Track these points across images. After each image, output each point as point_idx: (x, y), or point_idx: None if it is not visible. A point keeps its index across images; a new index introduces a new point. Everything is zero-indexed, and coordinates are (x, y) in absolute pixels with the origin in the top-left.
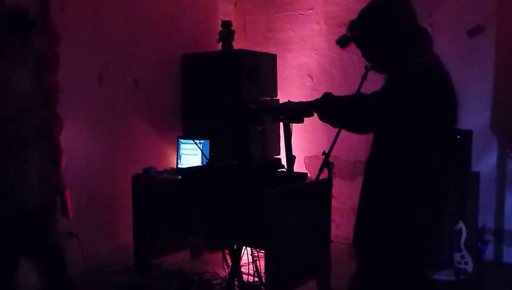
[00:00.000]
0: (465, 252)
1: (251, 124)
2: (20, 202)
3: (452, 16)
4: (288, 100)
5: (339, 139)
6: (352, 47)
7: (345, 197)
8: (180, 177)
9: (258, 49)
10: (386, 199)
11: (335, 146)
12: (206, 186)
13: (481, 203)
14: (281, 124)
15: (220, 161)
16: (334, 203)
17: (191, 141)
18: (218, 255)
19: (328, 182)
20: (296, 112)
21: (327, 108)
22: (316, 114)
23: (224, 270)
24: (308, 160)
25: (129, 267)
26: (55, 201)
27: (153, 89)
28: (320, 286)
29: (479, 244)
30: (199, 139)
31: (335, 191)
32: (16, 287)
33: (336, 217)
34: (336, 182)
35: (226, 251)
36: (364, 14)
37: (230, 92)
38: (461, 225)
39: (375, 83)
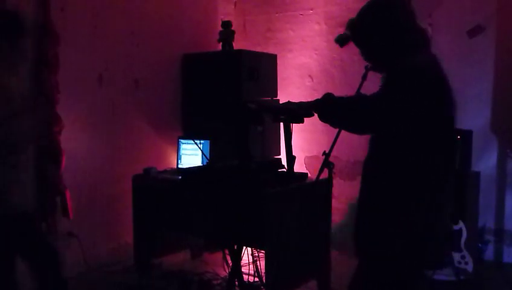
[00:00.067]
0: (465, 252)
1: (251, 124)
2: (8, 206)
3: (452, 16)
4: (288, 100)
5: (339, 139)
6: (353, 47)
7: (345, 197)
8: (180, 177)
9: (258, 49)
10: (384, 199)
11: (335, 146)
12: (206, 186)
13: (481, 203)
14: (281, 124)
15: (220, 161)
16: (334, 203)
17: (191, 141)
18: (219, 255)
19: (328, 182)
20: (296, 112)
21: (327, 108)
22: (316, 114)
23: (225, 271)
24: (308, 160)
25: (129, 267)
26: (55, 201)
27: (153, 89)
28: (320, 286)
29: (479, 244)
30: (199, 139)
31: (335, 191)
32: (17, 286)
33: (336, 217)
34: (336, 182)
35: (226, 251)
36: (363, 14)
37: (231, 92)
38: (461, 225)
39: (375, 83)
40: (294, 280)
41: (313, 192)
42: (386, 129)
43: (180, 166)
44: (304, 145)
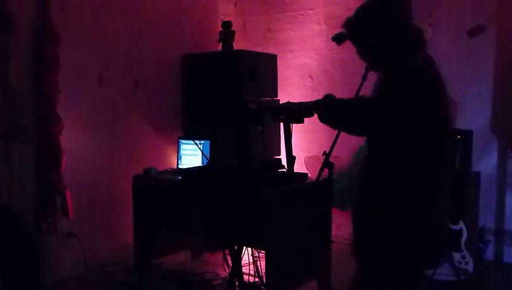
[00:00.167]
0: (465, 252)
1: (251, 124)
2: None
3: (452, 16)
4: (288, 101)
5: (339, 139)
6: (353, 47)
7: None
8: (180, 177)
9: (258, 49)
10: (383, 200)
11: (335, 146)
12: (206, 186)
13: (481, 203)
14: (281, 124)
15: (220, 161)
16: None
17: (191, 142)
18: (219, 256)
19: (328, 182)
20: (296, 112)
21: (328, 109)
22: (316, 115)
23: (225, 271)
24: (309, 160)
25: (129, 267)
26: (55, 201)
27: (153, 89)
28: (320, 286)
29: (480, 244)
30: (199, 139)
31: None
32: None
33: (336, 217)
34: None
35: (227, 251)
36: (360, 13)
37: (231, 92)
38: (462, 225)
39: None
40: (295, 280)
41: (313, 192)
42: (387, 130)
43: (180, 166)
44: (304, 145)
